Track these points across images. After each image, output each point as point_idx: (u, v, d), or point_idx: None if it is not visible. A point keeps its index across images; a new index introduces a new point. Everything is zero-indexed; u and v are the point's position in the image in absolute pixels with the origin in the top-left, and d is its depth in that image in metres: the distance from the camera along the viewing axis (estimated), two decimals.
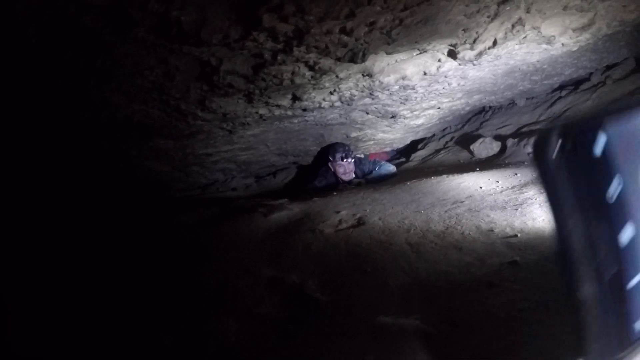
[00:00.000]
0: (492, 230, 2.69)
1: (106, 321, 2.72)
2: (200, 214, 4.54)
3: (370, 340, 1.94)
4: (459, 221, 2.93)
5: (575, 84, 5.43)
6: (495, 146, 5.25)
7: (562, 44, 3.77)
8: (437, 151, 6.03)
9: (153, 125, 3.83)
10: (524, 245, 2.43)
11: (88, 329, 2.66)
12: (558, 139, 0.61)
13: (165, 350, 2.29)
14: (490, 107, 6.14)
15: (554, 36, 3.57)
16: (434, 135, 6.49)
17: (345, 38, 2.80)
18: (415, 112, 5.00)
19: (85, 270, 3.61)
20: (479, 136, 5.54)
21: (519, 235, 2.56)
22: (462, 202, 3.34)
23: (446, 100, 4.86)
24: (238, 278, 2.80)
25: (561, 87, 5.53)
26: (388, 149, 6.50)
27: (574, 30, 3.56)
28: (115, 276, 3.40)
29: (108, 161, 4.58)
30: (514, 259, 2.31)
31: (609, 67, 5.06)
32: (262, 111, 3.95)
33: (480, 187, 3.65)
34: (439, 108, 5.09)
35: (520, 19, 3.22)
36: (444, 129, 6.47)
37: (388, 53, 3.25)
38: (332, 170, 5.44)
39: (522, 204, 3.03)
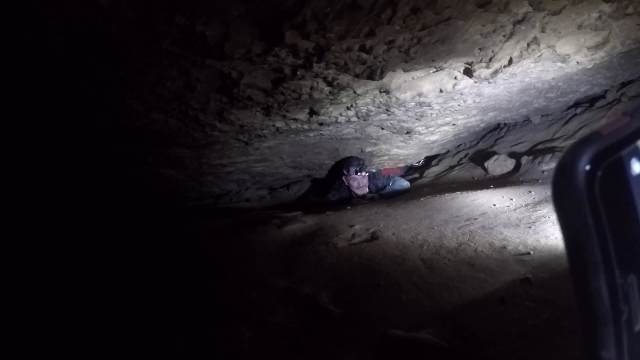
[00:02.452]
0: (505, 248, 2.70)
1: (120, 325, 2.76)
2: (214, 223, 4.59)
3: (382, 353, 1.96)
4: (472, 238, 2.94)
5: (590, 102, 5.43)
6: (510, 163, 5.25)
7: (577, 62, 3.80)
8: (451, 167, 6.05)
9: (170, 134, 3.90)
10: (537, 263, 2.45)
11: (102, 332, 2.70)
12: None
13: (177, 354, 2.32)
14: (505, 124, 6.15)
15: (569, 54, 3.60)
16: (448, 151, 6.50)
17: (364, 55, 2.85)
18: (430, 129, 5.03)
19: (101, 274, 3.67)
20: (494, 153, 5.55)
21: (531, 252, 2.57)
22: (475, 219, 3.35)
23: (461, 117, 4.88)
24: (252, 288, 2.83)
25: (576, 104, 5.53)
26: (402, 165, 6.52)
27: (588, 48, 3.58)
28: (130, 282, 3.45)
29: (124, 167, 4.66)
30: (526, 276, 2.32)
31: (624, 85, 5.07)
32: (279, 124, 4.01)
33: (494, 205, 3.66)
34: (454, 125, 5.12)
35: (535, 38, 3.25)
36: (458, 146, 6.49)
37: (405, 70, 3.29)
38: (346, 184, 5.46)
39: (535, 222, 3.04)
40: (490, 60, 3.37)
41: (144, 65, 2.76)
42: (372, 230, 3.39)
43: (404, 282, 2.51)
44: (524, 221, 3.11)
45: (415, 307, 2.26)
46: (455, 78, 3.66)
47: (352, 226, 3.54)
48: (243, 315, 2.54)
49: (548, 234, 2.80)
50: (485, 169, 5.40)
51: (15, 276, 3.68)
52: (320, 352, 2.08)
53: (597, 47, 3.57)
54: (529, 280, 2.29)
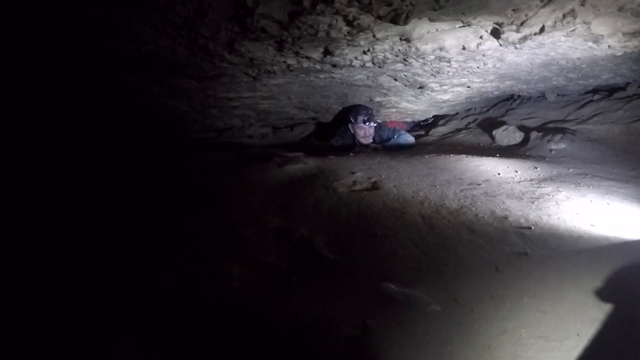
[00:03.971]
0: (506, 218, 2.67)
1: (111, 253, 2.72)
2: (215, 157, 4.53)
3: (373, 305, 1.95)
4: (474, 203, 2.90)
5: (609, 91, 5.30)
6: (518, 136, 5.17)
7: (609, 46, 3.66)
8: (458, 130, 5.95)
9: (177, 63, 3.75)
10: (537, 239, 2.42)
11: (92, 261, 2.66)
12: None
13: (167, 287, 2.29)
14: (519, 96, 6.02)
15: (602, 35, 3.46)
16: (457, 113, 6.39)
17: None
18: (444, 87, 4.91)
19: (95, 202, 3.60)
20: (503, 123, 5.45)
21: (532, 228, 2.54)
22: (478, 184, 3.30)
23: (478, 80, 4.75)
24: (247, 225, 2.79)
25: (595, 90, 5.40)
26: (409, 120, 6.41)
27: (624, 34, 3.44)
28: (124, 212, 3.39)
29: (128, 96, 4.55)
30: (524, 251, 2.30)
31: None
32: (291, 61, 3.86)
33: (498, 174, 3.61)
34: (468, 87, 4.99)
35: (573, 10, 3.10)
36: (468, 109, 6.37)
37: (431, 20, 3.14)
38: (352, 131, 5.38)
39: (538, 198, 3.00)
40: (521, 24, 3.22)
41: None
42: (373, 179, 3.34)
43: (401, 236, 2.48)
44: (527, 195, 3.07)
45: (411, 263, 2.24)
46: (481, 37, 3.51)
47: (353, 173, 3.48)
48: (236, 252, 2.51)
49: (551, 212, 2.76)
50: (492, 137, 5.31)
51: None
52: (311, 297, 2.07)
53: (634, 34, 3.43)
54: (527, 255, 2.26)
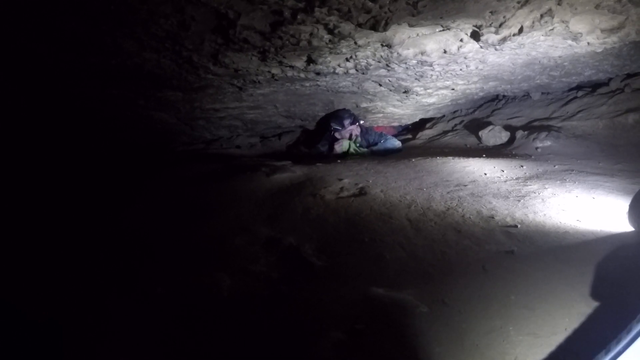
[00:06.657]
0: (492, 218, 2.69)
1: (101, 266, 2.72)
2: (203, 168, 4.53)
3: (362, 310, 1.96)
4: (461, 204, 2.93)
5: (592, 87, 5.36)
6: (504, 136, 5.21)
7: (588, 43, 3.71)
8: (445, 132, 5.99)
9: (163, 76, 3.77)
10: (523, 237, 2.44)
11: (83, 275, 2.66)
12: None
13: (157, 299, 2.29)
14: (504, 96, 6.07)
15: (581, 33, 3.51)
16: (443, 116, 6.43)
17: (369, 4, 2.73)
18: (428, 90, 4.95)
19: (84, 216, 3.60)
20: (489, 123, 5.49)
21: (519, 226, 2.56)
22: (465, 185, 3.33)
23: (461, 82, 4.79)
24: (235, 235, 2.80)
25: (578, 87, 5.46)
26: (396, 124, 6.45)
27: (602, 30, 3.50)
28: (113, 224, 3.39)
29: (115, 109, 4.55)
30: (511, 249, 2.31)
31: (629, 76, 5.00)
32: (275, 71, 3.89)
33: (485, 174, 3.64)
34: (453, 89, 5.03)
35: (550, 9, 3.15)
36: (454, 111, 6.41)
37: (411, 25, 3.18)
38: (339, 137, 5.40)
39: (525, 196, 3.03)
40: (500, 25, 3.26)
41: (135, 2, 2.60)
42: (360, 185, 3.36)
43: (389, 240, 2.50)
44: (513, 194, 3.10)
45: (398, 266, 2.25)
46: (461, 40, 3.55)
47: (341, 179, 3.50)
48: (225, 262, 2.51)
49: (537, 209, 2.79)
50: (479, 138, 5.35)
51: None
52: (300, 304, 2.07)
53: (611, 30, 3.49)
54: (513, 253, 2.28)
